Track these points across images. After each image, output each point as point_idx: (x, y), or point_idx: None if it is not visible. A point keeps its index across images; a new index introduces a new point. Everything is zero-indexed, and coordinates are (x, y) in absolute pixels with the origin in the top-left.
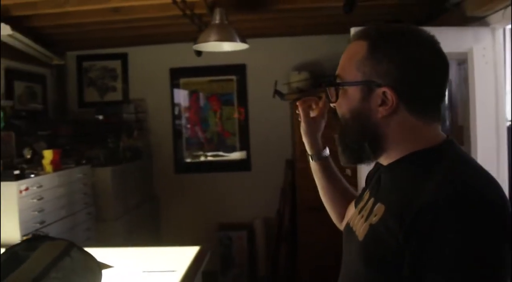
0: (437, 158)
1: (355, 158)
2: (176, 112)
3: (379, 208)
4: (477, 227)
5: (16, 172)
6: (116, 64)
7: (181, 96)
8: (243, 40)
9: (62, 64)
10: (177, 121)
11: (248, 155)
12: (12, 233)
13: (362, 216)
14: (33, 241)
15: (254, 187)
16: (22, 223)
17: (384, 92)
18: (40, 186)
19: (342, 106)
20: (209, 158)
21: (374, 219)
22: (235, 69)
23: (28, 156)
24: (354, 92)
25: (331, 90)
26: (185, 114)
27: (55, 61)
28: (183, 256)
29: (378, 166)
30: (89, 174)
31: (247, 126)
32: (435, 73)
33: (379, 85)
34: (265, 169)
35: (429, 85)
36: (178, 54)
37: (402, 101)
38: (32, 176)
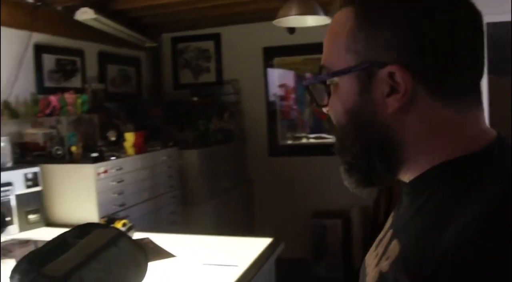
0: (481, 171)
1: (364, 180)
2: (270, 92)
3: (394, 247)
4: None
5: (94, 154)
6: (210, 45)
7: (275, 76)
8: (327, 14)
9: (155, 46)
10: (271, 102)
11: None
12: (91, 215)
13: (377, 254)
14: (84, 228)
15: None
16: (101, 205)
17: (390, 74)
18: (120, 169)
19: (335, 108)
20: (311, 140)
21: (385, 265)
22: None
23: (113, 138)
24: (348, 84)
25: (318, 91)
26: (280, 95)
27: (147, 44)
28: (252, 248)
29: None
30: (175, 156)
31: None
32: (462, 32)
33: (382, 65)
34: None
35: (456, 51)
36: (271, 33)
37: (420, 83)
38: (113, 158)
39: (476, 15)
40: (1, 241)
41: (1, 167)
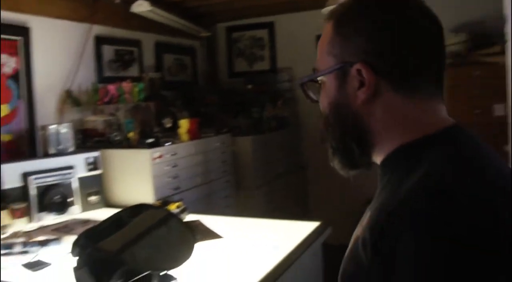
0: (428, 150)
1: (346, 162)
2: None
3: (366, 216)
4: (440, 241)
5: (150, 140)
6: (264, 33)
7: None
8: None
9: (210, 36)
10: None
11: None
12: (147, 198)
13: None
14: (138, 208)
15: None
16: (157, 189)
17: (358, 71)
18: (175, 154)
19: (323, 101)
20: None
21: (359, 230)
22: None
23: (169, 125)
24: (330, 82)
25: (309, 90)
26: None
27: (202, 34)
28: (300, 231)
29: None
30: (228, 142)
31: None
32: (418, 35)
33: (352, 64)
34: None
35: (414, 50)
36: None
37: (383, 78)
38: (167, 144)
39: (431, 21)
40: (64, 220)
41: (64, 151)
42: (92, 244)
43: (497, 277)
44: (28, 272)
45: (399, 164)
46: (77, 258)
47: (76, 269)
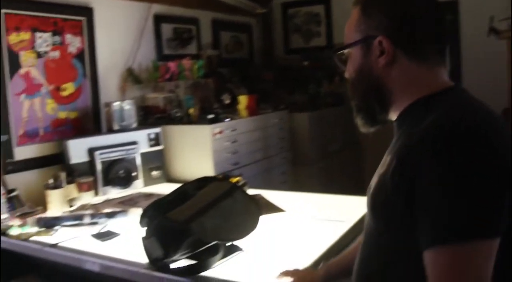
0: (436, 102)
1: (368, 119)
2: None
3: (388, 159)
4: (459, 160)
5: (211, 116)
6: (320, 9)
7: None
8: None
9: (266, 12)
10: None
11: None
12: (207, 172)
13: (377, 172)
14: (203, 181)
15: None
16: (216, 164)
17: (380, 42)
18: (234, 130)
19: (350, 69)
20: None
21: (381, 170)
22: (444, 7)
23: (227, 101)
24: (356, 52)
25: (338, 60)
26: None
27: (258, 11)
28: (359, 206)
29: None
30: (286, 119)
31: (459, 67)
32: (427, 14)
33: (375, 37)
34: None
35: (423, 27)
36: None
37: (399, 48)
38: (227, 120)
39: (436, 3)
40: (128, 194)
41: (128, 127)
42: (161, 214)
43: (504, 192)
44: (97, 241)
45: (413, 115)
46: (145, 228)
47: (144, 239)
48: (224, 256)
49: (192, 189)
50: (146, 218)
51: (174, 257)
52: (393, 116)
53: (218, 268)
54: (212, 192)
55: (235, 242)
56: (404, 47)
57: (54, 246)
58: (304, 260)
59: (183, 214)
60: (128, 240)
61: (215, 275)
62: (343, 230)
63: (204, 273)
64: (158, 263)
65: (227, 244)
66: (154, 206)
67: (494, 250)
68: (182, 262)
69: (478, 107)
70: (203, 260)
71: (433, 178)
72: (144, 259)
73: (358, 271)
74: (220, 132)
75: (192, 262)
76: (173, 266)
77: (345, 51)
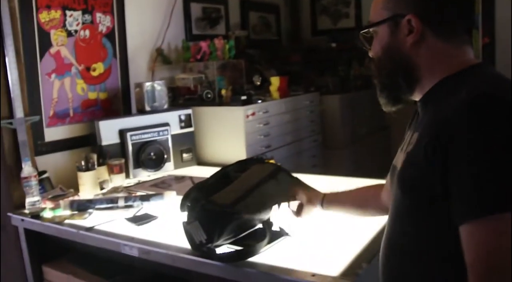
0: (466, 78)
1: (393, 97)
2: None
3: (414, 136)
4: (495, 134)
5: (243, 97)
6: None
7: None
8: None
9: None
10: None
11: None
12: (239, 155)
13: (402, 150)
14: (244, 163)
15: None
16: (248, 146)
17: (409, 21)
18: (266, 112)
19: (376, 47)
20: None
21: (409, 147)
22: None
23: (258, 83)
24: (383, 30)
25: (364, 39)
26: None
27: None
28: None
29: (416, 111)
30: (317, 101)
31: (493, 53)
32: None
33: (403, 16)
34: None
35: (451, 6)
36: None
37: (428, 26)
38: (259, 101)
39: None
40: (160, 176)
41: (159, 109)
42: (204, 197)
43: None
44: (133, 225)
45: (442, 92)
46: (186, 212)
47: (186, 223)
48: (271, 241)
49: (233, 171)
50: (188, 201)
51: (218, 242)
52: (417, 96)
53: (264, 253)
54: (256, 174)
55: (282, 227)
56: (432, 26)
57: (90, 229)
58: (352, 246)
59: (228, 197)
60: (166, 224)
61: (261, 261)
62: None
63: (251, 259)
64: (202, 248)
65: (274, 229)
66: (196, 189)
67: None
68: (224, 248)
69: (508, 80)
70: (250, 245)
71: (469, 152)
72: (185, 243)
73: (388, 247)
74: (253, 114)
75: (236, 247)
76: (218, 251)
77: (371, 29)
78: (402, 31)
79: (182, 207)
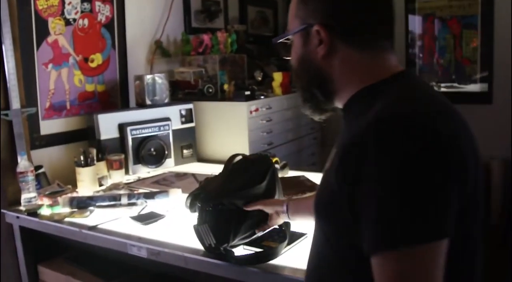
0: (384, 90)
1: (314, 108)
2: (410, 39)
3: (332, 154)
4: (402, 159)
5: (247, 92)
6: None
7: (416, 22)
8: None
9: None
10: (410, 50)
11: (490, 86)
12: (241, 152)
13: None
14: (249, 159)
15: (494, 123)
16: (251, 143)
17: (317, 31)
18: (269, 108)
19: (292, 57)
20: (442, 89)
21: (327, 165)
22: None
23: (259, 78)
24: (297, 41)
25: (283, 48)
26: (419, 42)
27: None
28: None
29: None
30: None
31: (491, 54)
32: (367, 3)
33: (312, 26)
34: (510, 104)
35: (364, 14)
36: None
37: (338, 37)
38: (262, 97)
39: None
40: (161, 173)
41: (160, 102)
42: (213, 199)
43: (453, 187)
44: (139, 224)
45: (358, 105)
46: (196, 213)
47: (197, 225)
48: (290, 242)
49: (238, 169)
50: (197, 202)
51: (233, 242)
52: (339, 104)
53: (284, 255)
54: (259, 174)
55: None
56: (343, 36)
57: (93, 228)
58: None
59: (239, 197)
60: (174, 223)
61: (282, 263)
62: None
63: (271, 262)
64: (217, 250)
65: (292, 231)
66: (204, 188)
67: (444, 250)
68: (241, 250)
69: (427, 96)
70: (271, 247)
71: (375, 179)
72: (197, 244)
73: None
74: (256, 110)
75: (255, 249)
76: (236, 253)
77: (289, 38)
78: (313, 41)
79: (192, 207)
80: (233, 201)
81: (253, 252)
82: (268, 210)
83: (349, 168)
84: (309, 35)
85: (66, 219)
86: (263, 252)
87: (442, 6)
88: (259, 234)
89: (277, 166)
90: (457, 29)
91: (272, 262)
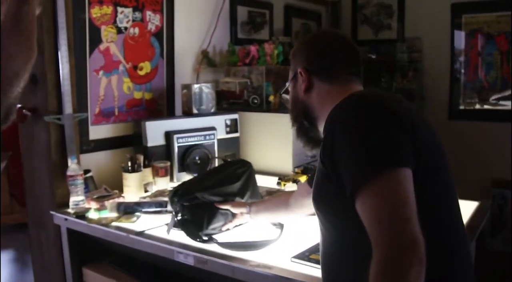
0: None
1: (307, 139)
2: (456, 53)
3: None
4: (357, 120)
5: None
6: (393, 0)
7: (462, 36)
8: None
9: (336, 1)
10: (456, 65)
11: None
12: (284, 164)
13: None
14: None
15: None
16: (295, 155)
17: (300, 73)
18: None
19: (290, 100)
20: (486, 106)
21: (317, 169)
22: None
23: None
24: (291, 86)
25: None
26: (464, 57)
27: None
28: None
29: None
30: None
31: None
32: (332, 50)
33: (297, 69)
34: None
35: (330, 57)
36: None
37: (314, 75)
38: None
39: (344, 41)
40: None
41: (206, 112)
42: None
43: (400, 135)
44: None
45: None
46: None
47: (176, 217)
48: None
49: (216, 170)
50: (175, 198)
51: (206, 231)
52: (321, 129)
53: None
54: (235, 175)
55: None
56: (317, 74)
57: (141, 233)
58: None
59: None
60: (230, 233)
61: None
62: None
63: None
64: (198, 238)
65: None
66: (182, 185)
67: (408, 177)
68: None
69: (371, 90)
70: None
71: (341, 137)
72: (244, 253)
73: (323, 256)
74: None
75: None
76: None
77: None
78: (299, 82)
79: (172, 202)
80: (206, 196)
81: (240, 241)
82: (234, 210)
83: (327, 145)
84: (296, 79)
85: (113, 223)
86: (248, 242)
87: (490, 22)
88: (225, 227)
89: None
90: (505, 45)
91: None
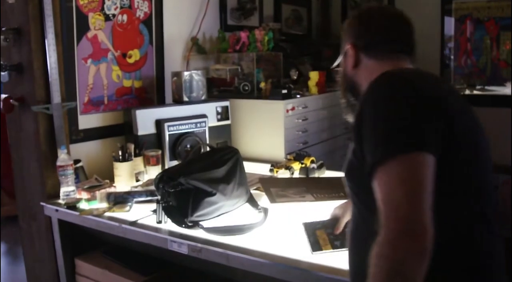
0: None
1: (351, 110)
2: (445, 39)
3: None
4: (390, 95)
5: (284, 91)
6: None
7: (451, 22)
8: None
9: None
10: (445, 51)
11: None
12: (277, 151)
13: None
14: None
15: None
16: (287, 142)
17: (348, 48)
18: (305, 107)
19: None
20: (475, 92)
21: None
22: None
23: (295, 77)
24: (342, 61)
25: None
26: (454, 42)
27: None
28: None
29: None
30: None
31: None
32: (379, 27)
33: (346, 46)
34: None
35: (379, 33)
36: None
37: (361, 51)
38: (298, 96)
39: (393, 21)
40: None
41: (197, 99)
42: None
43: (427, 118)
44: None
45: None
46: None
47: (163, 205)
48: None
49: (201, 156)
50: (160, 184)
51: (191, 218)
52: None
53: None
54: (221, 161)
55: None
56: (364, 50)
57: (134, 223)
58: None
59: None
60: (213, 219)
61: (325, 263)
62: None
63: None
64: (183, 224)
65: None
66: (167, 171)
67: (428, 165)
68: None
69: (412, 69)
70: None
71: (368, 115)
72: (239, 241)
73: (351, 240)
74: (293, 109)
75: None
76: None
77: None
78: (348, 58)
79: (157, 188)
80: (191, 181)
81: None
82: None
83: (356, 120)
84: (346, 54)
85: (106, 214)
86: (234, 226)
87: (480, 7)
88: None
89: (313, 165)
90: (494, 30)
91: (314, 261)
